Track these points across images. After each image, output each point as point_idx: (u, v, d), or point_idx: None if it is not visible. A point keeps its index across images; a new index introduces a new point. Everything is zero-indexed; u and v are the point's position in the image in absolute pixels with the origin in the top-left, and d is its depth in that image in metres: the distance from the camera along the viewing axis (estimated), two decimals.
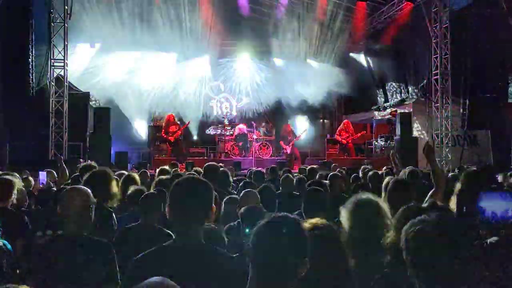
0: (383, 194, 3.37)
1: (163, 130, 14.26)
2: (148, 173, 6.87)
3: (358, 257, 2.31)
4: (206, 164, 5.16)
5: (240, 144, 15.54)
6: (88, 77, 15.39)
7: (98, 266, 2.40)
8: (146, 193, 3.39)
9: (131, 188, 3.98)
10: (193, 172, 5.38)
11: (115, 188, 3.48)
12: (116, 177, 3.58)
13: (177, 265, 1.73)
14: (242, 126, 16.18)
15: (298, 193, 5.06)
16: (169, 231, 2.94)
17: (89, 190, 2.59)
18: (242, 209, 3.03)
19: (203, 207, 2.00)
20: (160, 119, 15.88)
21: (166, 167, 6.80)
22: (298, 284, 1.55)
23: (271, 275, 1.50)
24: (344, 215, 2.45)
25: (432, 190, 3.65)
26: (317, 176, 5.79)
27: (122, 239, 3.10)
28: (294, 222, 1.58)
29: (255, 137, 15.54)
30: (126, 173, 5.42)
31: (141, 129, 16.97)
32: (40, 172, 6.42)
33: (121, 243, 2.97)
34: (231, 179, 5.23)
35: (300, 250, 1.53)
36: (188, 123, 15.47)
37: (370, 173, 5.77)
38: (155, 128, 15.44)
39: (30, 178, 6.02)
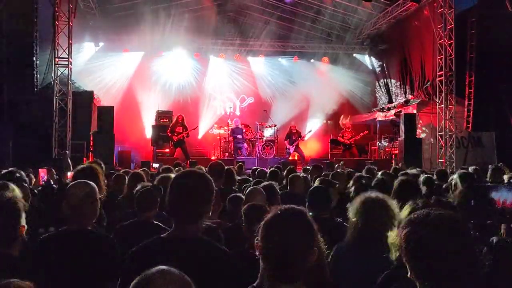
0: (392, 194, 3.35)
1: (169, 129, 14.23)
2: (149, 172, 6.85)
3: (365, 253, 2.29)
4: (211, 163, 5.11)
5: (238, 136, 15.03)
6: (92, 76, 15.41)
7: (103, 261, 2.38)
8: (142, 189, 3.38)
9: (138, 186, 3.97)
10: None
11: (102, 181, 3.53)
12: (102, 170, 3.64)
13: (171, 256, 1.72)
14: (236, 119, 16.00)
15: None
16: (166, 227, 2.93)
17: (94, 184, 2.55)
18: (245, 207, 3.02)
19: (200, 200, 1.98)
20: (163, 116, 15.80)
21: (170, 167, 6.77)
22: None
23: (281, 266, 1.52)
24: (352, 212, 2.44)
25: None
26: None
27: (119, 235, 3.07)
28: (301, 213, 1.62)
29: (258, 137, 15.48)
30: (131, 171, 5.41)
31: (144, 128, 16.95)
32: (40, 170, 6.45)
33: (118, 239, 2.95)
34: (236, 178, 5.20)
35: (309, 240, 1.56)
36: (196, 127, 15.43)
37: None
38: (159, 127, 15.39)
39: (32, 175, 6.03)
